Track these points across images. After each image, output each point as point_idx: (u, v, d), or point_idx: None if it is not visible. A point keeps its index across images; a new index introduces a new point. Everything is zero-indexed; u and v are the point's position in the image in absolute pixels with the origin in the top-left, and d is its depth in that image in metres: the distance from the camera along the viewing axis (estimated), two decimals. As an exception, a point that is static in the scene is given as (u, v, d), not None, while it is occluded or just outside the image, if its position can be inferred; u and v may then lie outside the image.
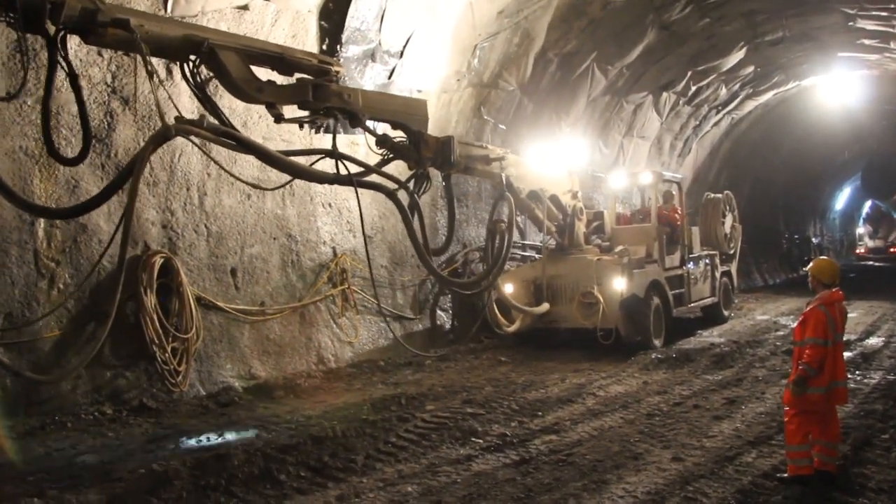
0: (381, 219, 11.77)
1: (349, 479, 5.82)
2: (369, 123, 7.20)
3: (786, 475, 5.58)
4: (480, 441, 6.80)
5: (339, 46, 9.86)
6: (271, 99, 6.28)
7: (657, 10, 14.34)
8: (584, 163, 12.88)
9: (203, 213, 9.14)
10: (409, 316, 12.10)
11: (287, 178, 7.78)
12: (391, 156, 7.67)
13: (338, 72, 6.82)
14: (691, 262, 13.42)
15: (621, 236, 12.72)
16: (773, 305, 18.26)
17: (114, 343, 7.83)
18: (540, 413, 7.79)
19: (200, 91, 5.87)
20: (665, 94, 18.21)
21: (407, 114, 7.54)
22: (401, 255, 12.13)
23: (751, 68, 18.60)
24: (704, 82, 18.48)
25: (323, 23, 9.81)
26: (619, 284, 11.00)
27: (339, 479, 5.84)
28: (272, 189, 9.14)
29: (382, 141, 7.46)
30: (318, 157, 7.12)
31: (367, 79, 10.68)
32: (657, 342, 11.49)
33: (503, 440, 6.79)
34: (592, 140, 17.01)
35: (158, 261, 8.28)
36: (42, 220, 7.46)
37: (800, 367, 5.42)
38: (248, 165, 9.22)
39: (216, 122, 6.09)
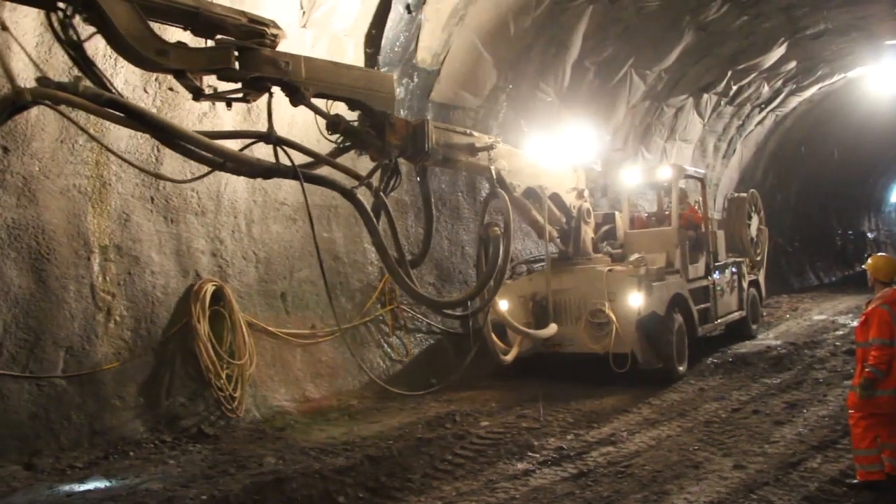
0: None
1: (407, 499, 5.83)
2: (319, 102, 5.90)
3: (855, 481, 5.42)
4: (537, 455, 6.75)
5: (375, 68, 9.96)
6: (179, 65, 4.92)
7: (693, 11, 14.17)
8: (591, 155, 10.73)
9: (251, 240, 9.30)
10: (461, 331, 12.06)
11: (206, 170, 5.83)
12: (347, 143, 6.33)
13: (275, 35, 5.42)
14: (717, 272, 11.64)
15: (636, 242, 10.94)
16: (830, 304, 17.78)
17: (170, 371, 7.98)
18: (595, 424, 7.71)
19: (74, 49, 4.66)
20: (706, 96, 17.96)
21: (367, 90, 6.09)
22: (448, 272, 12.12)
23: (793, 64, 18.22)
24: (745, 81, 18.17)
25: (368, 50, 9.91)
26: (636, 300, 9.18)
27: (398, 498, 5.85)
28: (184, 182, 7.83)
29: (334, 123, 6.02)
30: (251, 141, 5.82)
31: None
32: (681, 368, 9.72)
33: (559, 453, 6.73)
34: (634, 146, 16.87)
35: (210, 288, 8.42)
36: (97, 255, 7.67)
37: (866, 370, 5.26)
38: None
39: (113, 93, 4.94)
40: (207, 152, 5.28)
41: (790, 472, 5.82)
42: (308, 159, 6.09)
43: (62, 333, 7.33)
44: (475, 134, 7.70)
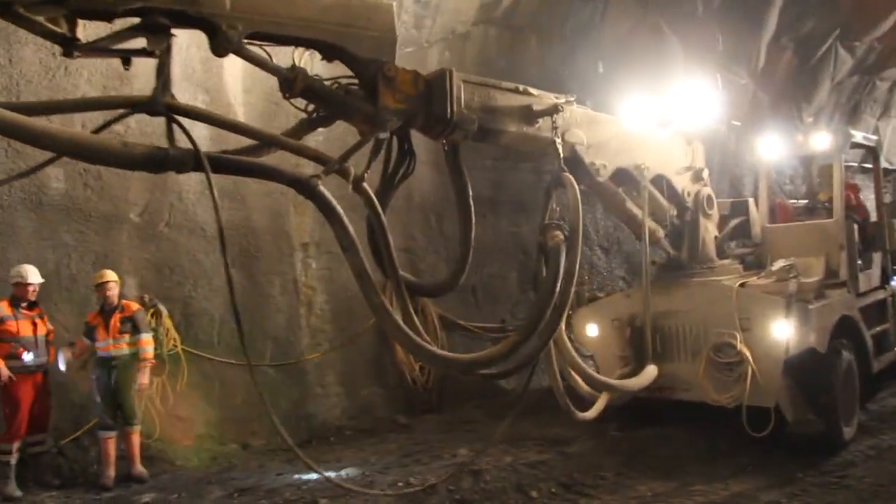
0: (618, 229, 11.25)
1: (600, 496, 5.70)
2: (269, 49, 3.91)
3: None
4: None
5: None
6: None
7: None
8: (717, 116, 7.59)
9: (441, 237, 9.52)
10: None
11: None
12: (319, 113, 4.36)
13: None
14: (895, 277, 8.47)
15: (781, 242, 7.84)
16: None
17: (367, 363, 8.37)
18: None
19: None
20: (930, 64, 16.11)
21: (345, 26, 3.98)
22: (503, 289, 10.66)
23: None
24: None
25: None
26: (783, 331, 6.09)
27: (590, 495, 5.74)
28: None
29: (288, 81, 3.97)
30: (122, 113, 3.91)
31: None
32: (848, 430, 6.57)
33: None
34: (840, 128, 15.47)
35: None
36: (299, 252, 8.19)
37: None
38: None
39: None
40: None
41: None
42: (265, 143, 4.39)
43: (269, 325, 7.90)
44: (532, 91, 5.11)
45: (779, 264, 6.96)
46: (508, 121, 4.91)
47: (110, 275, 6.63)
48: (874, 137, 9.02)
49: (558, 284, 4.57)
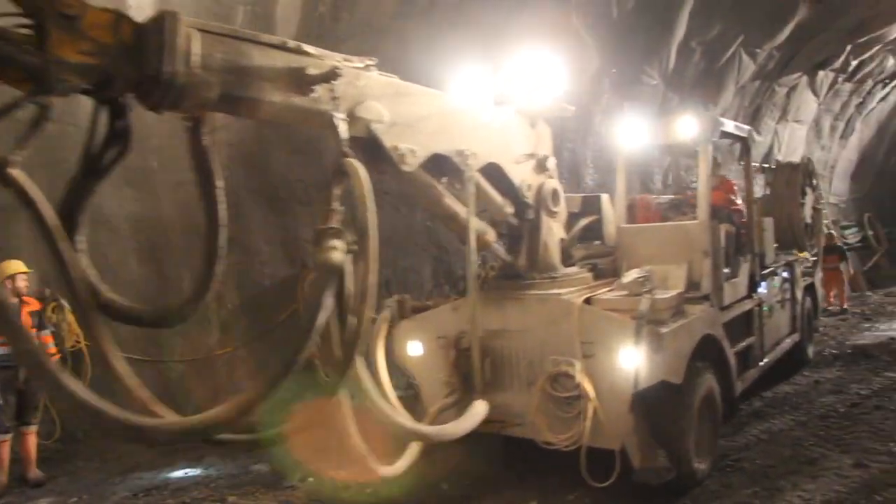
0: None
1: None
2: None
3: None
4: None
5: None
6: None
7: (809, -18, 13.45)
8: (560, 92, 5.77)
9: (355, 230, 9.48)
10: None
11: None
12: None
13: None
14: (765, 283, 7.55)
15: (638, 246, 6.50)
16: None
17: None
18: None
19: None
20: (821, 73, 17.02)
21: None
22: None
23: (923, 32, 16.98)
24: (867, 55, 17.06)
25: None
26: (632, 360, 4.92)
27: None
28: None
29: None
30: None
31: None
32: (702, 466, 5.52)
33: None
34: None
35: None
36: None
37: None
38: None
39: None
40: None
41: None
42: None
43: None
44: (309, 49, 3.81)
45: (631, 275, 5.57)
46: (270, 87, 3.58)
47: (19, 266, 6.32)
48: (746, 127, 7.90)
49: (314, 326, 3.23)
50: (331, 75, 3.74)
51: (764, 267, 7.52)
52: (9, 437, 6.21)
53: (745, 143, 7.76)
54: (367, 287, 3.58)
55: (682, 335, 5.37)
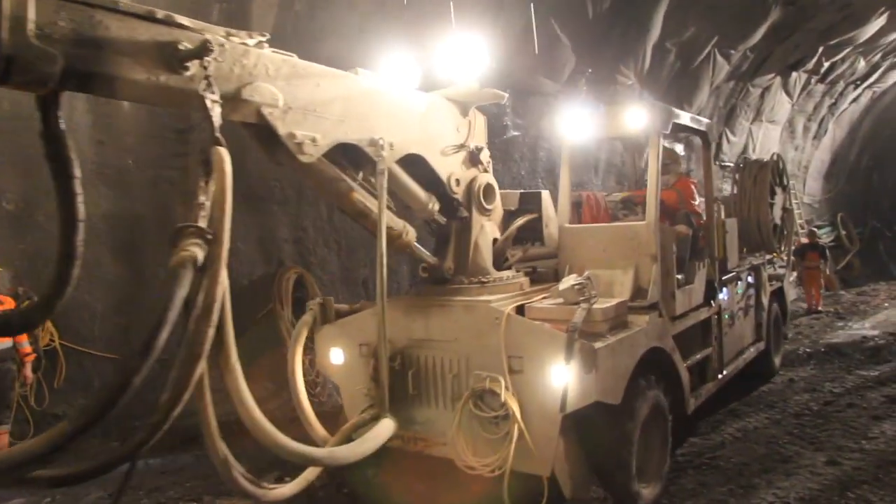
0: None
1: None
2: None
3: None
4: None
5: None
6: None
7: (781, -16, 13.59)
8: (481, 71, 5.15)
9: (332, 229, 9.45)
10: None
11: None
12: None
13: None
14: (726, 289, 7.16)
15: (579, 248, 5.95)
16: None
17: (253, 354, 8.22)
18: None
19: None
20: (795, 74, 17.21)
21: None
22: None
23: (893, 36, 17.22)
24: (839, 57, 17.28)
25: None
26: (562, 378, 4.40)
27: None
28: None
29: None
30: None
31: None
32: (647, 491, 5.11)
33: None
34: (719, 129, 16.38)
35: (292, 276, 8.63)
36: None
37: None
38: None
39: None
40: None
41: (892, 470, 5.54)
42: None
43: (153, 318, 7.63)
44: (183, 21, 3.30)
45: (568, 281, 5.00)
46: (131, 63, 3.10)
47: None
48: (705, 120, 7.21)
49: (154, 345, 2.92)
50: (202, 51, 3.24)
51: (725, 272, 7.10)
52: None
53: (704, 138, 7.29)
54: (211, 300, 3.08)
55: (622, 350, 4.81)
